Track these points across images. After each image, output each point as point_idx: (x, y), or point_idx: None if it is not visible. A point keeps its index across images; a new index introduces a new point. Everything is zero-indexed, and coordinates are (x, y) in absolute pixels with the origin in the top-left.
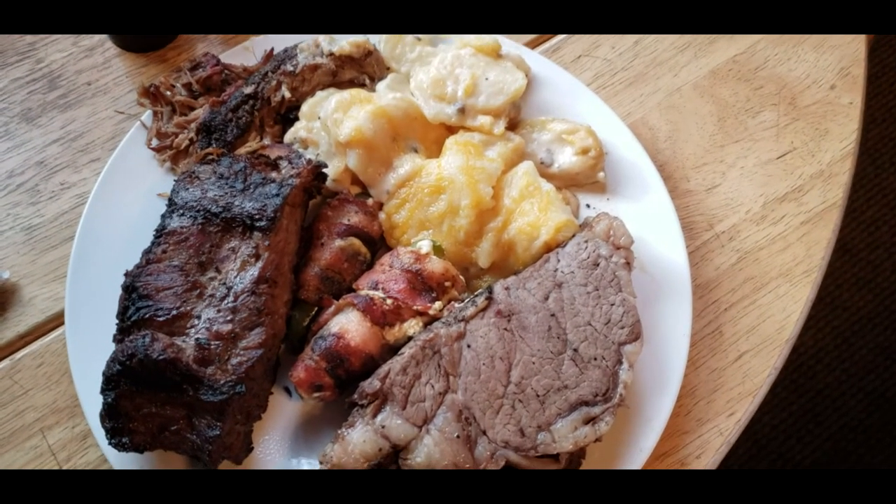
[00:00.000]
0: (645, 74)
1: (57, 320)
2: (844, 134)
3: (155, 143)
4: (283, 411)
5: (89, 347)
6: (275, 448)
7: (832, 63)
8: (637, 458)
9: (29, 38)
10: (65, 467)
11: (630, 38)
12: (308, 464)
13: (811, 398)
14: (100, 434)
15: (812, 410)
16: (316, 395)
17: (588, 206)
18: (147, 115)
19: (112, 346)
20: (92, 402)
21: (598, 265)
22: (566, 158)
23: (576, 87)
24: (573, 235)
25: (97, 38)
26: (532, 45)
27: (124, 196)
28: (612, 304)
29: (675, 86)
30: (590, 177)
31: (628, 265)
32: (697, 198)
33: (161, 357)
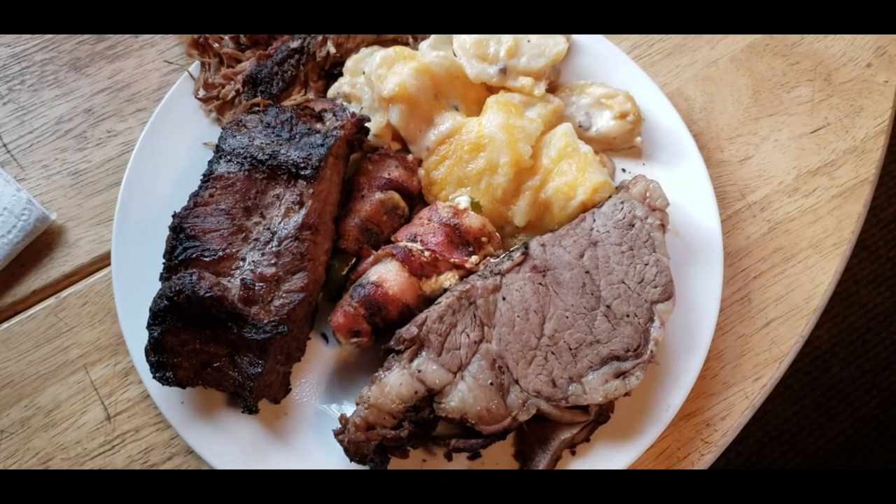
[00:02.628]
0: (682, 46)
1: (101, 262)
2: (879, 111)
3: (202, 93)
4: (321, 356)
5: (134, 287)
6: (311, 391)
7: (869, 42)
8: (664, 415)
9: None
10: (106, 402)
11: None
12: (344, 407)
13: (824, 392)
14: (143, 370)
15: (825, 405)
16: (354, 340)
17: (623, 170)
18: (194, 67)
19: (156, 288)
20: (136, 339)
21: (633, 226)
22: (604, 122)
23: (615, 54)
24: (609, 196)
25: None
26: None
27: (170, 144)
28: (646, 264)
29: (713, 58)
30: (627, 141)
31: (663, 227)
32: (730, 168)
33: (207, 294)
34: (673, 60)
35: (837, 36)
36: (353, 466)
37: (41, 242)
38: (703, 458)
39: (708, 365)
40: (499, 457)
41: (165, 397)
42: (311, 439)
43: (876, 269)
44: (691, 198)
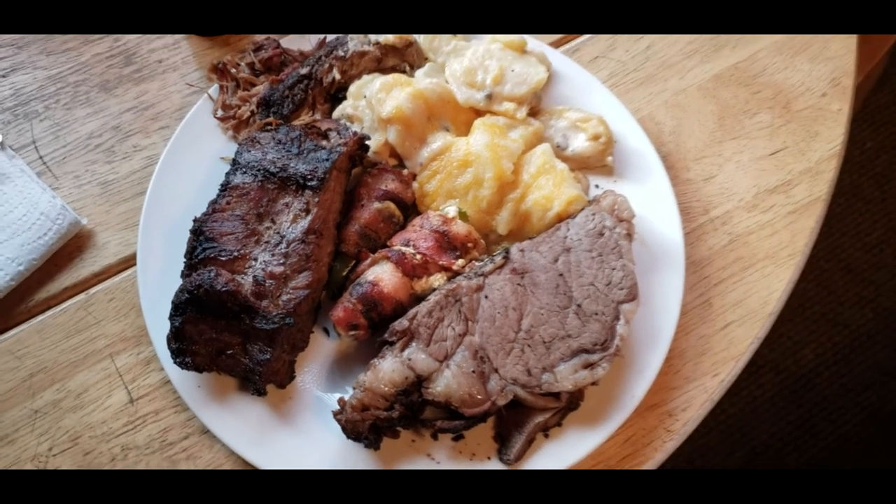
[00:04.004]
0: (654, 76)
1: (126, 262)
2: (832, 136)
3: (220, 113)
4: (322, 348)
5: (156, 284)
6: (313, 378)
7: (825, 73)
8: (629, 403)
9: None
10: (129, 387)
11: (643, 43)
12: (343, 393)
13: (809, 409)
14: (164, 358)
15: (809, 422)
16: (351, 333)
17: (597, 186)
18: (214, 89)
19: (176, 285)
20: (158, 331)
21: (602, 234)
22: (579, 143)
23: (591, 83)
24: (582, 209)
25: None
26: (555, 45)
27: (191, 158)
28: (614, 269)
29: (682, 87)
30: (599, 160)
31: (629, 236)
32: (696, 186)
33: (224, 289)
34: (645, 88)
35: (796, 68)
36: (351, 447)
37: (73, 245)
38: (665, 445)
39: (671, 362)
40: (480, 438)
41: (184, 382)
42: (313, 420)
43: (860, 292)
44: (657, 211)
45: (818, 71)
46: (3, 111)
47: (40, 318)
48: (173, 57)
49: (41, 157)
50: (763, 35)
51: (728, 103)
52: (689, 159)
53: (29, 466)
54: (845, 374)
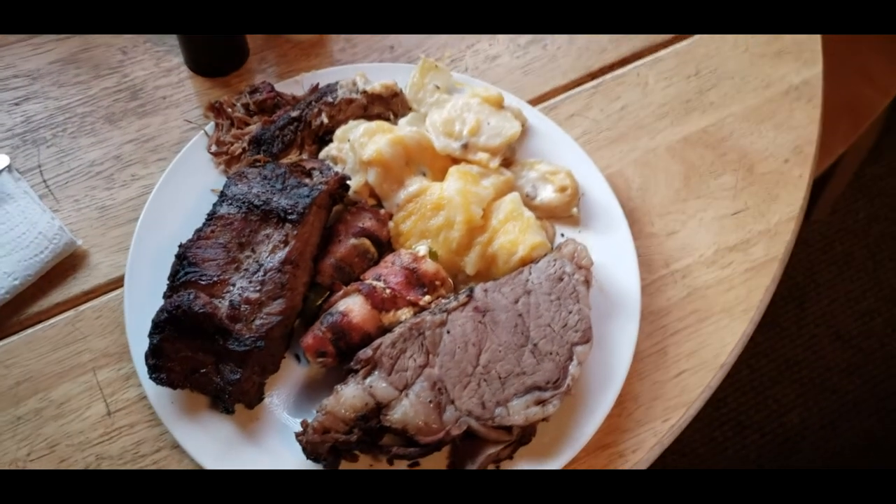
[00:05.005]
0: (626, 135)
1: (116, 283)
2: (792, 200)
3: (214, 148)
4: (292, 373)
5: (141, 305)
6: (281, 401)
7: (789, 141)
8: (579, 440)
9: (120, 55)
10: (108, 400)
11: (618, 104)
12: (308, 415)
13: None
14: (143, 374)
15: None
16: (320, 359)
17: (562, 235)
18: (209, 126)
19: (159, 305)
20: (139, 349)
21: (562, 279)
22: (547, 194)
23: (564, 139)
24: (545, 254)
25: (175, 61)
26: (533, 103)
27: (183, 188)
28: (570, 312)
29: (651, 146)
30: (565, 211)
31: (587, 283)
32: (659, 240)
33: (201, 310)
34: (617, 147)
35: (762, 134)
36: (311, 465)
37: (67, 263)
38: None
39: (624, 405)
40: (435, 466)
41: (159, 397)
42: (277, 440)
43: (849, 359)
44: (618, 262)
45: (782, 138)
46: (14, 136)
47: (30, 330)
48: (177, 94)
49: (45, 181)
50: (732, 103)
51: (695, 164)
52: (653, 214)
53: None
54: (831, 440)
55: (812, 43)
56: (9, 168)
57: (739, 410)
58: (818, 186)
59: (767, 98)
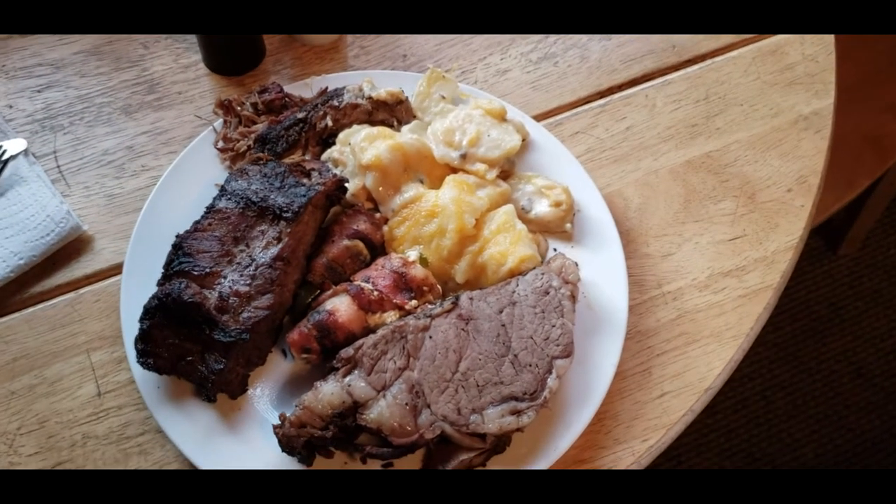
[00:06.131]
0: (629, 155)
1: (117, 269)
2: (792, 230)
3: (220, 144)
4: (277, 367)
5: (137, 291)
6: (264, 393)
7: (793, 171)
8: (552, 454)
9: (141, 49)
10: (99, 382)
11: (623, 124)
12: (288, 409)
13: None
14: (132, 358)
15: None
16: (304, 355)
17: (555, 249)
18: (218, 123)
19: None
20: (132, 334)
21: (548, 293)
22: (542, 208)
23: (564, 155)
24: (534, 267)
25: (194, 58)
26: (539, 119)
27: (188, 181)
28: (553, 326)
29: (654, 168)
30: (559, 226)
31: (573, 298)
32: (653, 261)
33: (190, 299)
34: (619, 166)
35: (766, 162)
36: (287, 458)
37: (72, 247)
38: None
39: (604, 422)
40: (408, 468)
41: (146, 382)
42: (256, 431)
43: (869, 397)
44: (608, 280)
45: (787, 167)
46: (33, 122)
47: (31, 309)
48: (191, 90)
49: (58, 167)
50: (739, 130)
51: (696, 188)
52: (650, 235)
53: None
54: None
55: (826, 74)
56: (25, 152)
57: (752, 442)
58: (846, 221)
59: (775, 126)
